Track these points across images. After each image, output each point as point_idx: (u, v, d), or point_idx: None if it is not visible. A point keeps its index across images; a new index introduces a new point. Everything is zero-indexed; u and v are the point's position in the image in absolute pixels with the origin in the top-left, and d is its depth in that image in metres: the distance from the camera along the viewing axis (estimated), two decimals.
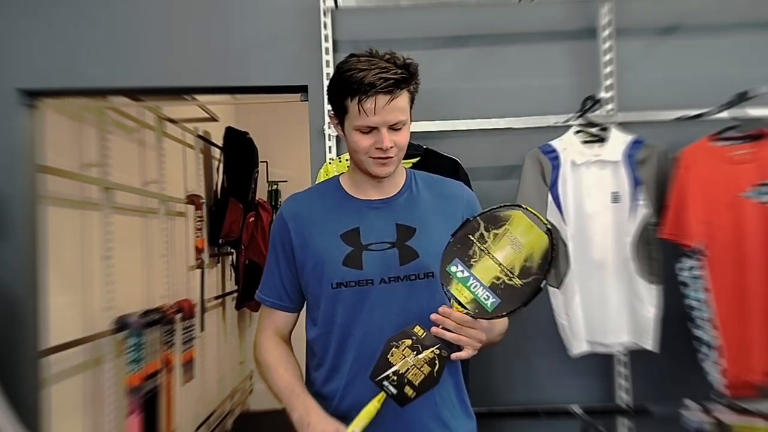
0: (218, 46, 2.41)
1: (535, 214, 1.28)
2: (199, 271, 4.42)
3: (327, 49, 2.32)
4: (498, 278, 1.25)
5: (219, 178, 4.78)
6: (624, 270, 2.14)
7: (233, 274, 5.18)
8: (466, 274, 1.26)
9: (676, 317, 2.13)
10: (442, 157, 2.19)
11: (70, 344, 2.72)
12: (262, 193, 5.26)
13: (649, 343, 2.12)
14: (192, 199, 4.33)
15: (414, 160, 2.19)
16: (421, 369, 1.25)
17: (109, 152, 3.15)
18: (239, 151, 4.74)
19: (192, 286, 4.31)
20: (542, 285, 1.24)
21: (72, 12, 2.40)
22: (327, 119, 2.31)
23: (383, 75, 1.31)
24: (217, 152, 4.85)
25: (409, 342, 1.26)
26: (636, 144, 2.16)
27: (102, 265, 3.05)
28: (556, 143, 2.20)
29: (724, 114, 2.16)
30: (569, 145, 2.19)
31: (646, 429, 2.30)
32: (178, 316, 3.68)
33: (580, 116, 2.22)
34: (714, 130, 2.16)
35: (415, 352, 1.25)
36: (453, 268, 1.27)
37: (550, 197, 2.16)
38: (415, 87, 1.39)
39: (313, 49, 2.34)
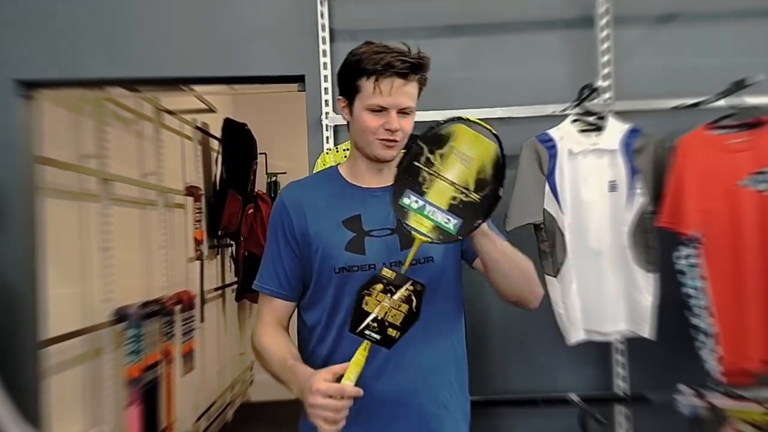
0: (215, 36, 2.41)
1: (478, 123, 1.27)
2: (198, 262, 4.43)
3: (324, 38, 2.32)
4: (455, 198, 1.24)
5: (218, 170, 4.77)
6: (621, 258, 2.14)
7: (233, 266, 5.18)
8: (420, 203, 1.25)
9: (673, 305, 2.13)
10: None
11: (69, 335, 2.72)
12: (260, 185, 5.26)
13: (647, 331, 2.12)
14: (191, 191, 4.33)
15: None
16: (399, 309, 1.24)
17: (107, 143, 3.15)
18: (238, 142, 4.74)
19: (191, 277, 4.31)
20: (500, 193, 1.23)
21: (68, 3, 2.39)
22: (324, 110, 2.31)
23: (401, 58, 1.36)
24: (215, 144, 4.85)
25: (380, 286, 1.25)
26: (633, 132, 2.16)
27: (101, 256, 3.05)
28: (553, 132, 2.19)
29: (722, 102, 2.16)
30: (566, 134, 2.18)
31: (643, 416, 2.31)
32: (178, 307, 3.69)
33: (577, 105, 2.21)
34: (711, 118, 2.16)
35: (389, 295, 1.25)
36: (406, 200, 1.25)
37: (547, 186, 2.17)
38: (424, 79, 1.44)
39: (310, 39, 2.34)
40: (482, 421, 2.34)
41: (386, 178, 1.48)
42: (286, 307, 1.53)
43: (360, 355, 1.26)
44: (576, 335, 2.16)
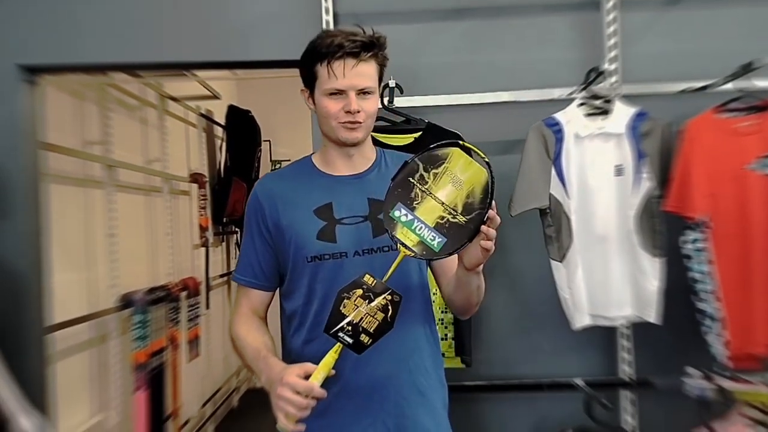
0: (218, 20, 2.39)
1: (473, 150, 1.29)
2: (203, 249, 4.44)
3: (328, 22, 2.30)
4: (442, 218, 1.27)
5: (222, 157, 4.77)
6: (627, 243, 2.13)
7: (238, 253, 5.18)
8: (410, 217, 1.28)
9: (679, 290, 2.12)
10: (445, 132, 2.18)
11: (75, 321, 2.74)
12: (265, 172, 5.25)
13: (652, 315, 2.12)
14: (195, 178, 4.34)
15: (416, 135, 2.18)
16: (375, 316, 1.27)
17: (111, 130, 3.15)
18: (242, 129, 4.74)
19: (197, 264, 4.33)
20: (485, 218, 1.25)
21: None
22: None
23: (351, 38, 1.37)
24: (219, 131, 4.84)
25: (360, 292, 1.28)
26: (640, 116, 2.14)
27: (106, 242, 3.06)
28: (559, 116, 2.18)
29: (729, 86, 2.14)
30: (573, 118, 2.17)
31: (648, 401, 2.30)
32: (184, 293, 3.70)
33: (583, 89, 2.20)
34: (719, 101, 2.14)
35: (367, 301, 1.28)
36: (396, 213, 1.29)
37: (553, 170, 2.15)
38: (383, 59, 1.44)
39: (314, 23, 2.32)
40: (487, 405, 2.35)
41: (357, 164, 1.51)
42: (263, 296, 1.55)
43: (330, 357, 1.29)
44: (581, 320, 2.15)
